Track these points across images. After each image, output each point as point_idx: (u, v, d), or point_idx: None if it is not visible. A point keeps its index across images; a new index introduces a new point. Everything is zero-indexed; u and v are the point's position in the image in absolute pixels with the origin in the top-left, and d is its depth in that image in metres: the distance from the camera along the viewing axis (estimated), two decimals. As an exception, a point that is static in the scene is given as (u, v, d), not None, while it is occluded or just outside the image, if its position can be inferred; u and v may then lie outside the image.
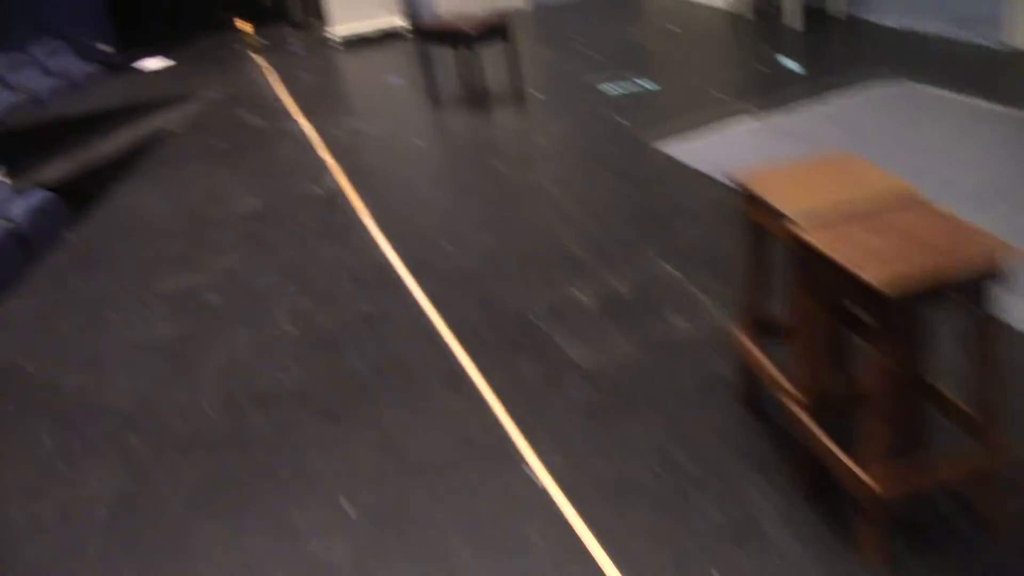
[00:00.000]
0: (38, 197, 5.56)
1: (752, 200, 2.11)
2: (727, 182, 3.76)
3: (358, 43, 7.77)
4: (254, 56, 8.16)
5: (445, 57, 5.65)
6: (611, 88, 5.31)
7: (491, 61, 5.30)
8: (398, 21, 7.76)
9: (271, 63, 7.71)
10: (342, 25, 7.74)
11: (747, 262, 2.23)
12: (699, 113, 4.61)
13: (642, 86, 5.27)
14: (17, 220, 5.32)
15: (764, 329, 2.30)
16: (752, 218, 2.15)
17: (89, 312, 3.68)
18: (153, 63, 8.72)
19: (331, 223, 4.11)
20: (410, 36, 7.78)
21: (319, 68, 7.29)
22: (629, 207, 3.72)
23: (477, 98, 5.45)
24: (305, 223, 4.15)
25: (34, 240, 5.40)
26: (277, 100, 6.44)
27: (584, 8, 7.82)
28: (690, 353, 2.70)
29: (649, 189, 3.86)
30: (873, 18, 5.74)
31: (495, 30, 5.24)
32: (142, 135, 6.43)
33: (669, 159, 4.11)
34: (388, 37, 7.78)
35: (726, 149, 4.12)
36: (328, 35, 8.17)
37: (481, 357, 2.87)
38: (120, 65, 10.97)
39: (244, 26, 8.28)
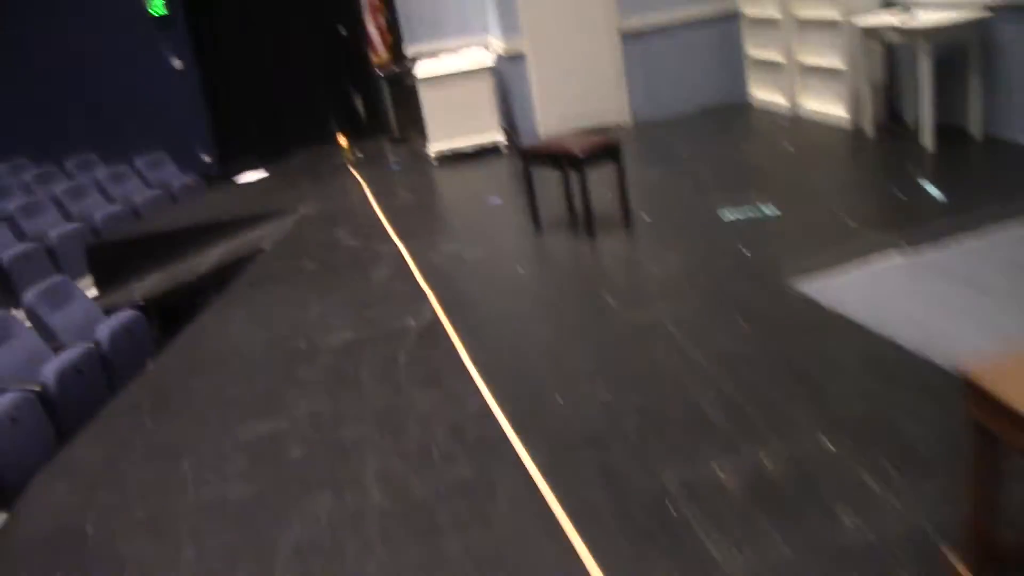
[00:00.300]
0: (124, 318, 5.36)
1: (983, 397, 1.62)
2: (882, 332, 3.25)
3: (455, 159, 7.59)
4: (351, 170, 8.05)
5: (547, 177, 5.36)
6: (728, 213, 4.89)
7: (596, 181, 4.95)
8: (497, 136, 7.56)
9: (367, 178, 7.57)
10: (439, 141, 7.58)
11: (973, 473, 1.73)
12: (835, 246, 4.13)
13: (763, 212, 4.84)
14: (102, 343, 5.11)
15: (994, 558, 1.77)
16: (981, 420, 1.66)
17: (161, 460, 3.34)
18: (250, 175, 8.72)
19: (427, 363, 3.73)
20: (507, 152, 7.56)
21: (416, 184, 7.09)
22: (768, 359, 3.23)
23: (582, 222, 5.09)
24: (399, 361, 3.78)
25: (116, 364, 5.18)
26: (372, 218, 6.22)
27: (688, 124, 7.50)
28: (869, 568, 2.16)
29: (790, 338, 3.37)
30: (1015, 138, 5.22)
31: (605, 152, 4.91)
32: (233, 252, 6.26)
33: (808, 301, 3.62)
34: (486, 153, 7.58)
35: (875, 291, 3.62)
36: (425, 150, 8.03)
37: (605, 552, 2.38)
38: (218, 176, 11.11)
39: (342, 139, 8.22)
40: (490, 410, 3.22)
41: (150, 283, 6.37)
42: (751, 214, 4.84)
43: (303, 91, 10.71)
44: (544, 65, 7.67)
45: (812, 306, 3.58)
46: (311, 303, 4.72)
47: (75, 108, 11.95)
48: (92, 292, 7.35)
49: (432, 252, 5.21)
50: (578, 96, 7.76)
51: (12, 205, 8.00)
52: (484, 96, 7.48)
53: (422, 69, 7.63)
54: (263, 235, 6.53)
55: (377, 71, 9.06)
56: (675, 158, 6.43)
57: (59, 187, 8.62)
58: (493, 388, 3.38)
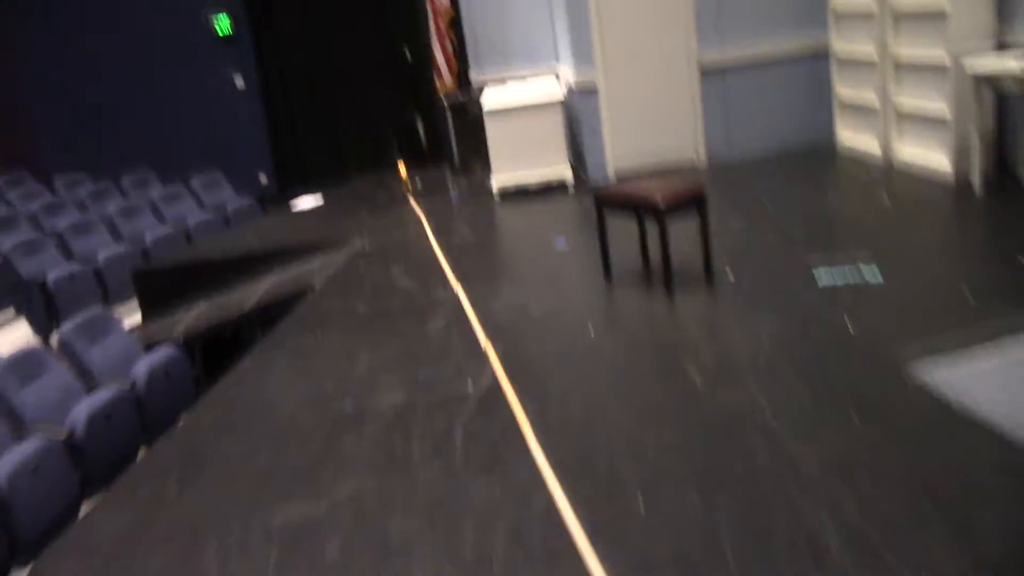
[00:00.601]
0: (163, 356, 5.04)
1: None
2: (1029, 442, 2.73)
3: (519, 194, 7.18)
4: (410, 200, 7.70)
5: (620, 221, 4.92)
6: (824, 275, 4.39)
7: (674, 228, 4.48)
8: (564, 173, 7.14)
9: (426, 210, 7.21)
10: (503, 174, 7.19)
11: None
12: (956, 323, 3.61)
13: (864, 275, 4.33)
14: (138, 383, 4.78)
15: None
16: None
17: (184, 540, 2.95)
18: (306, 201, 8.42)
19: (486, 440, 3.30)
20: (574, 189, 7.14)
21: (477, 220, 6.70)
22: (891, 470, 2.73)
23: (659, 276, 4.64)
24: (455, 437, 3.35)
25: (151, 407, 4.85)
26: (430, 256, 5.84)
27: (770, 167, 7.01)
28: None
29: (915, 442, 2.87)
30: None
31: (689, 201, 4.46)
32: (281, 287, 5.92)
33: (932, 394, 3.12)
34: (551, 189, 7.16)
35: (1014, 385, 3.10)
36: (488, 183, 7.64)
37: None
38: (274, 198, 10.87)
39: (402, 168, 7.88)
40: (558, 510, 2.77)
41: (193, 317, 6.05)
42: (850, 278, 4.33)
43: (365, 115, 10.43)
44: (617, 99, 7.24)
45: (938, 401, 3.07)
46: (360, 354, 4.33)
47: (136, 123, 11.84)
48: (136, 318, 7.09)
49: (493, 301, 4.79)
50: (651, 132, 7.31)
51: (63, 223, 7.80)
52: (553, 130, 7.08)
53: (489, 99, 7.26)
54: (314, 269, 6.19)
55: (441, 98, 8.72)
56: (758, 205, 5.94)
57: (112, 206, 8.42)
58: (562, 480, 2.93)
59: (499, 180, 7.23)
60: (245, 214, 8.78)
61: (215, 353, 5.82)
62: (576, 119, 7.40)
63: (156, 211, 8.45)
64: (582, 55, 7.17)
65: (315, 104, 10.59)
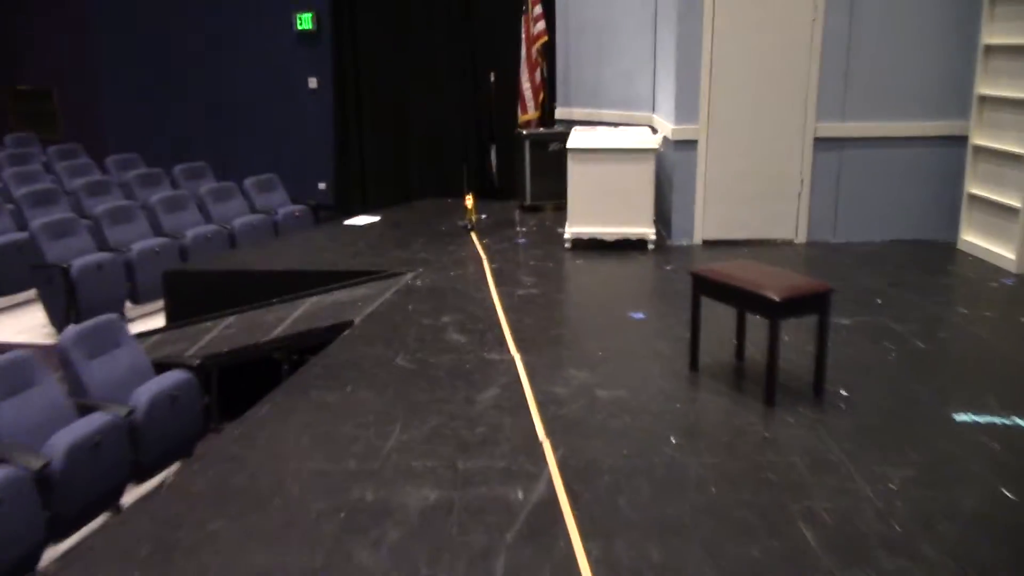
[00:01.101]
0: (171, 382, 4.39)
1: None
2: None
3: (592, 245, 6.47)
4: (473, 237, 7.04)
5: (710, 301, 4.22)
6: (967, 418, 3.60)
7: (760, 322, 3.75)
8: (646, 230, 6.42)
9: (489, 250, 6.53)
10: (579, 222, 6.49)
11: None
12: None
13: (1021, 424, 3.53)
14: (137, 411, 4.14)
15: None
16: None
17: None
18: (361, 218, 7.80)
19: (534, 572, 2.57)
20: (654, 247, 6.41)
21: (544, 271, 5.99)
22: None
23: (754, 379, 3.89)
24: (495, 565, 2.63)
25: (149, 438, 4.20)
26: (488, 308, 5.15)
27: (879, 259, 6.22)
28: None
29: None
30: None
31: (810, 301, 3.70)
32: (317, 315, 5.27)
33: None
34: (628, 245, 6.44)
35: None
36: (560, 229, 6.95)
37: None
38: (328, 208, 10.30)
39: (469, 200, 7.23)
40: None
41: (216, 336, 5.43)
42: (999, 421, 3.54)
43: (437, 136, 9.84)
44: (717, 159, 6.51)
45: None
46: (394, 424, 3.64)
47: (200, 111, 11.42)
48: (159, 321, 6.50)
49: (556, 378, 4.07)
50: (750, 200, 6.56)
51: (102, 207, 7.26)
52: (642, 182, 6.37)
53: (576, 139, 6.58)
54: (358, 300, 5.54)
55: (521, 130, 8.08)
56: (868, 305, 5.15)
57: (158, 194, 7.89)
58: (632, 669, 2.19)
59: (574, 228, 6.53)
60: (295, 223, 8.20)
61: (233, 380, 5.19)
62: (668, 176, 6.68)
63: (203, 207, 7.90)
64: (685, 107, 6.47)
65: (386, 116, 10.03)
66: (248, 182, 8.40)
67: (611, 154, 6.37)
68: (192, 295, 6.26)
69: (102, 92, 11.89)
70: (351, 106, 10.15)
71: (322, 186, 10.75)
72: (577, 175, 6.46)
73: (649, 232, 6.45)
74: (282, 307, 5.88)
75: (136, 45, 11.29)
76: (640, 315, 5.00)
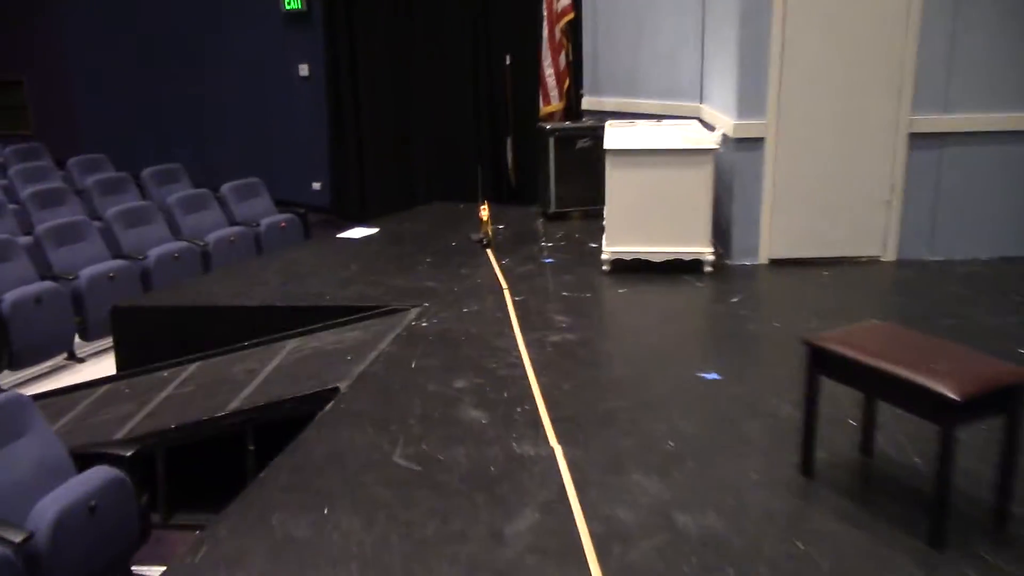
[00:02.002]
0: (93, 485, 3.25)
1: None
2: None
3: (635, 267, 5.29)
4: (489, 255, 5.86)
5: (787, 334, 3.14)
6: None
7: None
8: (702, 249, 5.23)
9: (510, 276, 5.35)
10: (619, 240, 5.30)
11: None
12: None
13: None
14: (37, 537, 3.00)
15: None
16: None
17: None
18: (356, 231, 6.63)
19: None
20: (711, 270, 5.23)
21: (580, 307, 4.81)
22: None
23: (903, 495, 2.72)
24: None
25: (52, 572, 3.06)
26: (514, 364, 3.98)
27: (990, 275, 5.03)
28: None
29: None
30: None
31: (997, 395, 2.51)
32: (295, 374, 4.11)
33: None
34: (678, 267, 5.25)
35: None
36: (590, 242, 5.78)
37: None
38: (323, 212, 9.13)
39: (484, 210, 6.03)
40: None
41: (168, 398, 4.28)
42: None
43: (445, 129, 8.63)
44: (789, 161, 5.31)
45: None
46: (390, 552, 2.48)
47: (181, 102, 10.26)
48: (109, 365, 5.36)
49: (616, 490, 2.90)
50: (828, 210, 5.36)
51: (46, 225, 6.10)
52: (698, 190, 5.17)
53: (614, 137, 5.38)
54: (346, 350, 4.38)
55: (543, 124, 6.87)
56: (1012, 357, 3.94)
57: (119, 206, 6.72)
58: None
59: (614, 247, 5.34)
60: (281, 236, 7.03)
61: (187, 456, 4.05)
62: (726, 180, 5.47)
63: (172, 219, 6.73)
64: (749, 97, 5.26)
65: (387, 107, 8.83)
66: (227, 188, 7.23)
67: (660, 156, 5.17)
68: (147, 336, 5.11)
69: (73, 83, 10.75)
70: (347, 96, 8.96)
71: (317, 186, 9.59)
72: (617, 182, 5.26)
73: (706, 251, 5.26)
74: (255, 353, 4.73)
75: (107, 29, 10.14)
76: (713, 375, 3.81)
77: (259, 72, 9.58)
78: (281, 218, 7.18)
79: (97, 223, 6.35)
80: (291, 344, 4.76)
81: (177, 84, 10.02)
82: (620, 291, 5.05)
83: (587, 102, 7.29)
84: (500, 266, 5.60)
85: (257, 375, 4.38)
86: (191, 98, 10.06)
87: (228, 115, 9.93)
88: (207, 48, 9.69)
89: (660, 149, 5.16)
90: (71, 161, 8.21)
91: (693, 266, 5.29)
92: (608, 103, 7.09)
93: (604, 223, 5.76)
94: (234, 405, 4.01)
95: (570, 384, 3.77)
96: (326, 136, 9.13)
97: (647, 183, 5.20)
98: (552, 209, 6.79)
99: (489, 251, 5.98)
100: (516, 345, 4.23)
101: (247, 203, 7.29)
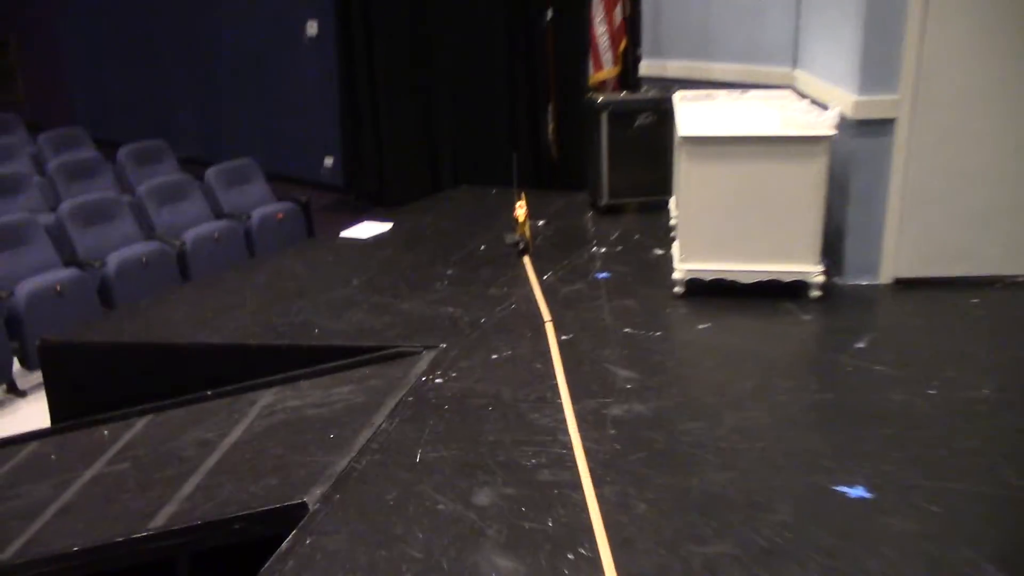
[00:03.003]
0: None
1: None
2: None
3: (714, 288, 4.02)
4: (527, 267, 4.63)
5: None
6: None
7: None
8: (811, 268, 3.93)
9: (553, 296, 4.12)
10: (695, 256, 4.03)
11: None
12: None
13: None
14: None
15: None
16: None
17: None
18: (365, 228, 5.42)
19: None
20: (820, 295, 3.94)
21: (648, 353, 3.56)
22: None
23: None
24: None
25: None
26: (561, 453, 2.77)
27: None
28: None
29: None
30: None
31: None
32: (256, 465, 2.92)
33: None
34: (775, 289, 3.98)
35: None
36: (657, 251, 4.53)
37: None
38: (336, 190, 7.93)
39: (522, 210, 4.77)
40: None
41: (65, 514, 3.14)
42: None
43: (475, 98, 7.33)
44: (928, 150, 3.98)
45: None
46: None
47: (177, 67, 9.07)
48: (42, 410, 4.23)
49: None
50: (980, 216, 4.03)
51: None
52: (806, 190, 3.87)
53: (689, 117, 4.09)
54: (328, 420, 3.19)
55: (593, 94, 5.57)
56: None
57: (82, 193, 5.57)
58: None
59: (688, 264, 4.06)
60: (277, 230, 5.85)
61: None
62: (838, 174, 4.13)
63: (141, 211, 5.57)
64: (875, 66, 3.92)
65: (406, 72, 7.54)
66: (212, 173, 6.04)
67: (756, 146, 3.86)
68: (83, 380, 3.97)
69: (63, 45, 9.61)
70: (361, 58, 7.69)
71: (328, 162, 8.39)
72: (695, 180, 3.97)
73: (813, 271, 3.97)
74: (218, 408, 3.58)
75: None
76: (859, 491, 2.56)
77: (263, 32, 8.34)
78: (278, 208, 5.98)
79: (50, 218, 5.19)
80: (264, 399, 3.59)
81: (172, 48, 8.83)
82: (700, 327, 3.79)
83: (646, 67, 5.97)
84: (540, 283, 4.37)
85: (211, 451, 3.22)
86: (190, 62, 8.87)
87: (230, 82, 8.74)
88: (205, 7, 8.46)
89: (757, 136, 3.86)
90: (42, 137, 7.06)
91: (794, 289, 4.00)
92: (672, 68, 5.78)
93: (674, 228, 4.50)
94: (170, 509, 2.85)
95: (646, 504, 2.54)
96: (337, 105, 7.89)
97: (736, 181, 3.91)
98: (604, 201, 5.51)
99: (526, 260, 4.74)
100: (564, 422, 3.00)
101: (237, 190, 6.11)
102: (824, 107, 4.15)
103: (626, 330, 3.77)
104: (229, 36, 8.55)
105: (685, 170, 3.96)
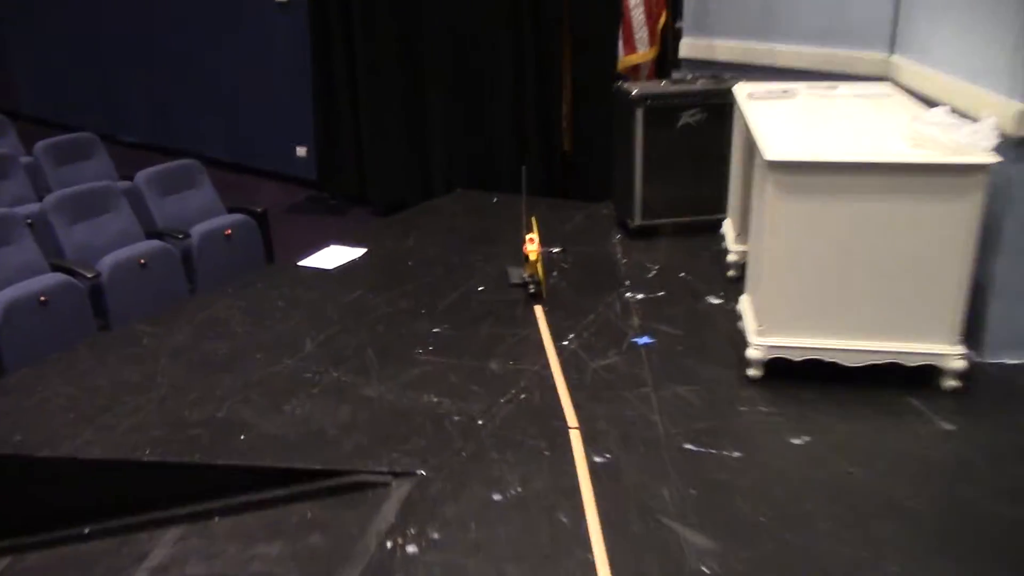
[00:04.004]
0: None
1: None
2: None
3: (804, 372, 2.84)
4: (538, 315, 3.46)
5: None
6: None
7: None
8: (946, 348, 2.73)
9: (577, 377, 2.94)
10: (779, 326, 2.83)
11: None
12: None
13: None
14: None
15: None
16: None
17: None
18: (332, 255, 4.22)
19: None
20: (954, 381, 2.76)
21: (726, 493, 2.38)
22: None
23: None
24: None
25: None
26: None
27: None
28: None
29: None
30: None
31: None
32: None
33: None
34: (891, 376, 2.80)
35: None
36: (711, 299, 3.36)
37: None
38: (308, 189, 6.74)
39: (532, 247, 3.56)
40: None
41: None
42: None
43: (472, 80, 6.09)
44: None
45: None
46: None
47: (127, 43, 7.83)
48: None
49: None
50: None
51: None
52: (947, 239, 2.67)
53: (774, 132, 2.88)
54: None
55: (623, 83, 4.35)
56: None
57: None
58: None
59: (770, 337, 2.87)
60: (227, 250, 4.66)
61: None
62: (994, 220, 2.91)
63: (47, 230, 4.38)
64: (1054, 55, 2.70)
65: (391, 46, 6.29)
66: (144, 177, 4.82)
67: (879, 175, 2.66)
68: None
69: (4, 24, 8.37)
70: (337, 30, 6.44)
71: (302, 152, 7.16)
72: (787, 220, 2.76)
73: (952, 352, 2.78)
74: (88, 562, 2.42)
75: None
76: None
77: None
78: (226, 222, 4.78)
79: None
80: (157, 554, 2.44)
81: (126, 23, 7.58)
82: (795, 442, 2.61)
83: (689, 46, 4.74)
84: (558, 351, 3.18)
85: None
86: (140, 39, 7.62)
87: (186, 60, 7.49)
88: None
89: (883, 164, 2.65)
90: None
91: (919, 375, 2.83)
92: (724, 49, 4.56)
93: (734, 265, 3.34)
94: None
95: None
96: (313, 83, 6.65)
97: (847, 225, 2.71)
98: (637, 221, 4.32)
99: (538, 310, 3.55)
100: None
101: (176, 199, 4.90)
102: (961, 116, 2.93)
103: (687, 446, 2.59)
104: (184, 5, 7.30)
105: (772, 208, 2.76)
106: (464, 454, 2.58)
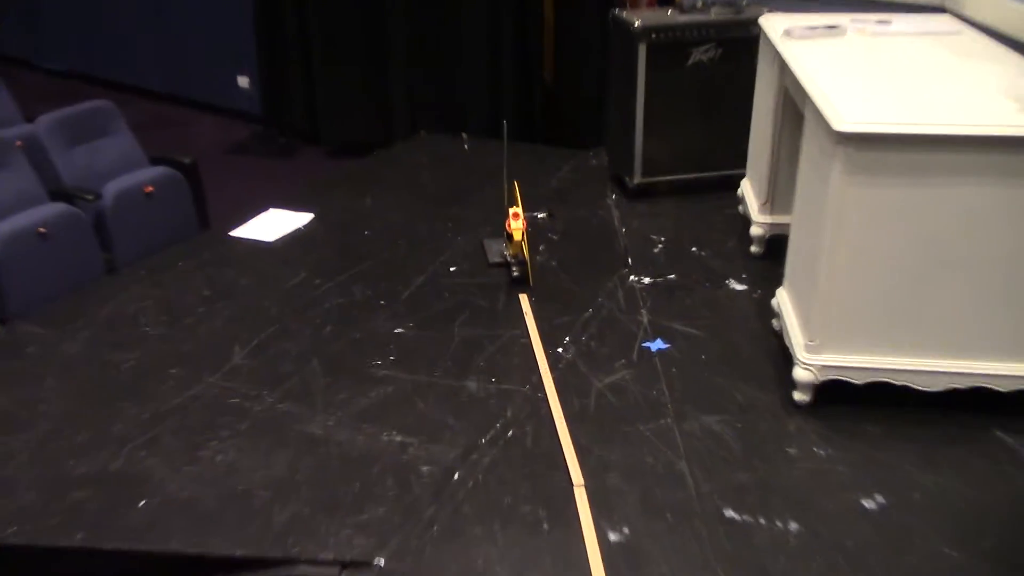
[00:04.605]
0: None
1: None
2: None
3: (864, 396, 2.23)
4: (525, 311, 2.80)
5: None
6: None
7: None
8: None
9: (576, 401, 2.30)
10: (835, 343, 2.20)
11: None
12: None
13: None
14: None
15: None
16: None
17: None
18: (271, 222, 3.51)
19: None
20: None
21: (769, 518, 1.78)
22: None
23: None
24: None
25: None
26: None
27: None
28: None
29: None
30: None
31: None
32: None
33: None
34: (975, 403, 2.20)
35: None
36: (734, 286, 2.72)
37: None
38: (249, 135, 5.95)
39: (516, 224, 2.87)
40: None
41: None
42: None
43: (445, 7, 5.26)
44: None
45: None
46: None
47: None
48: None
49: None
50: None
51: None
52: (1071, 245, 2.02)
53: (839, 90, 2.19)
54: None
55: (624, 15, 3.60)
56: None
57: None
58: None
59: (824, 356, 2.24)
60: (147, 211, 3.93)
61: None
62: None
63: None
64: None
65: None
66: (44, 124, 4.02)
67: (990, 149, 1.99)
68: None
69: None
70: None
71: (243, 82, 6.31)
72: (859, 210, 2.09)
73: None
74: None
75: None
76: None
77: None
78: (147, 177, 4.01)
79: None
80: None
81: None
82: (867, 504, 2.00)
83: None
84: (551, 360, 2.54)
85: None
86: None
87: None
88: None
89: (996, 137, 1.98)
90: None
91: (1010, 402, 2.23)
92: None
93: (757, 239, 2.72)
94: None
95: None
96: (252, 5, 5.78)
97: (933, 215, 2.05)
98: (637, 179, 3.63)
99: (524, 300, 2.89)
100: None
101: (86, 149, 4.11)
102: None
103: (728, 513, 1.97)
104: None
105: (839, 193, 2.08)
106: (436, 528, 1.95)
